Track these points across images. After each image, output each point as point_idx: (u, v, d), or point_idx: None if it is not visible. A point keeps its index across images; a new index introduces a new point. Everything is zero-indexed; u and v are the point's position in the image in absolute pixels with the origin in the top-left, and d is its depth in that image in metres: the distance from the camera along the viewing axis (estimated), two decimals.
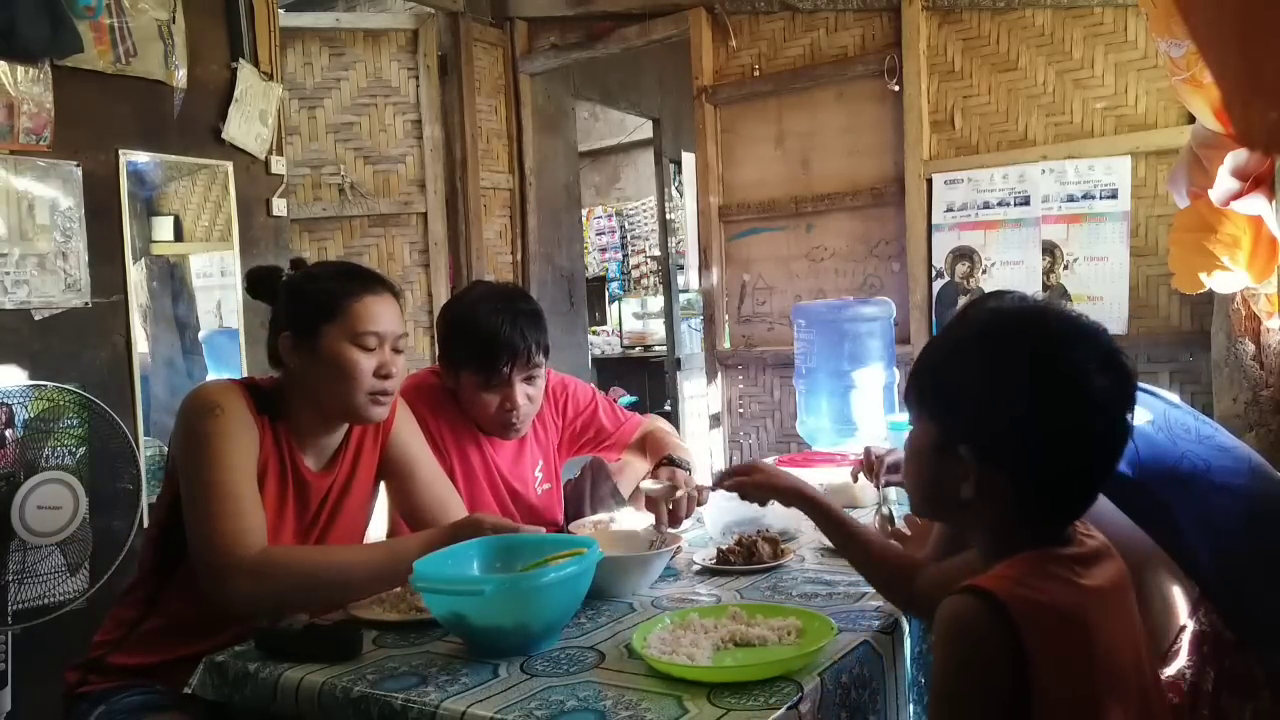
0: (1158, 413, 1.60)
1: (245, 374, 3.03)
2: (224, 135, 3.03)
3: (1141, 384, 1.67)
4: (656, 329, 7.44)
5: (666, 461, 1.96)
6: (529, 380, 1.93)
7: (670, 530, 1.78)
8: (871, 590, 1.45)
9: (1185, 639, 1.45)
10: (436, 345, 1.98)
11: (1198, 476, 1.52)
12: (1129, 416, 1.03)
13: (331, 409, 1.62)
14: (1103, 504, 1.47)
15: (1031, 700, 0.93)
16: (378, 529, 2.03)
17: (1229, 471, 1.54)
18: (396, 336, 1.63)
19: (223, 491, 1.48)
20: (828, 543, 1.52)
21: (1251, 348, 2.47)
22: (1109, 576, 1.05)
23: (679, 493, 1.81)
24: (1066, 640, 0.96)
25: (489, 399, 1.90)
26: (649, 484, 1.83)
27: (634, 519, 2.01)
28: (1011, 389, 1.00)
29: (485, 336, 1.86)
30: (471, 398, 1.92)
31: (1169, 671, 1.44)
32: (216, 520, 1.46)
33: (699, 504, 1.86)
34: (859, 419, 2.87)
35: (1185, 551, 1.49)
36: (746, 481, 1.57)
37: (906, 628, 1.40)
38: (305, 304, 1.61)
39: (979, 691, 0.96)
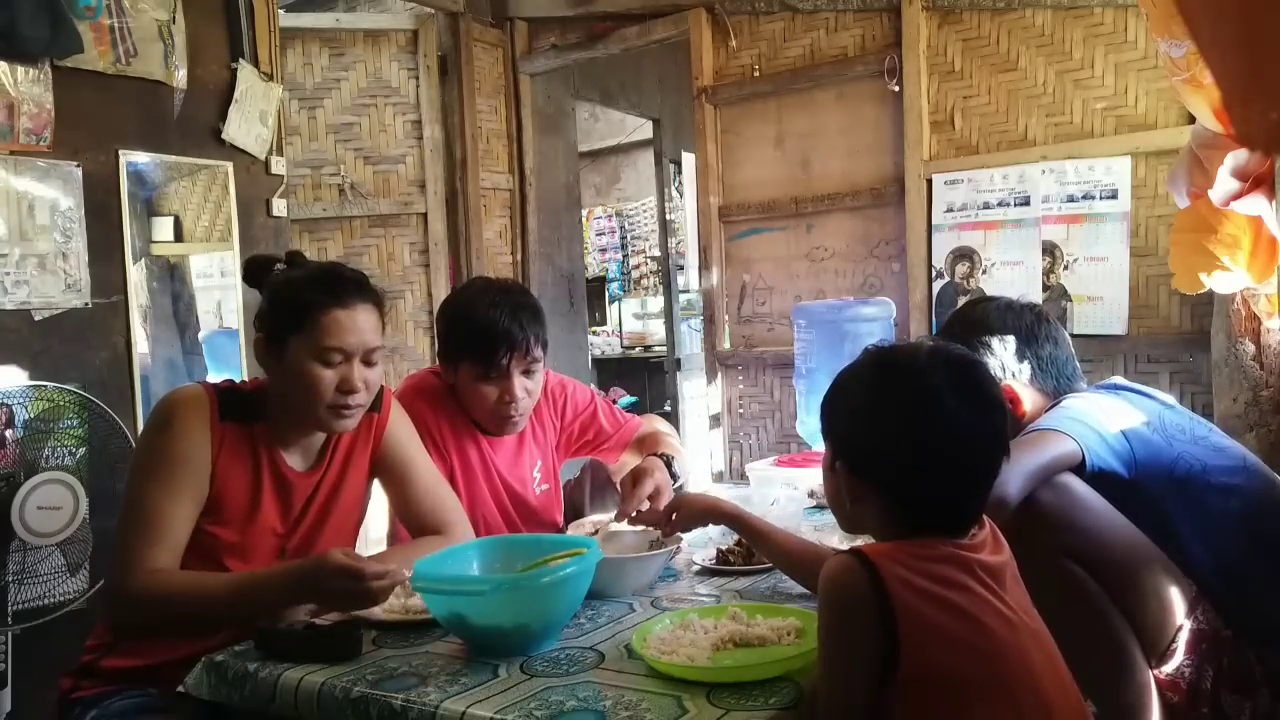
0: (1153, 414, 1.60)
1: (244, 374, 3.03)
2: (224, 135, 3.03)
3: (1137, 386, 1.69)
4: (656, 329, 7.44)
5: (665, 461, 1.95)
6: (527, 373, 1.93)
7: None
8: None
9: (1182, 638, 1.45)
10: (437, 341, 1.98)
11: (1194, 477, 1.53)
12: (992, 435, 1.14)
13: (299, 418, 1.62)
14: (1100, 504, 1.48)
15: (900, 656, 1.02)
16: (378, 529, 2.03)
17: (1225, 471, 1.55)
18: (368, 350, 1.59)
19: (140, 515, 1.51)
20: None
21: (1251, 348, 2.47)
22: (998, 558, 1.14)
23: (655, 491, 1.83)
24: (939, 607, 1.04)
25: (488, 391, 1.90)
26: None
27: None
28: (872, 411, 1.15)
29: (484, 327, 1.87)
30: (470, 391, 1.92)
31: (1167, 670, 1.44)
32: (126, 546, 1.50)
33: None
34: None
35: (1183, 551, 1.50)
36: (677, 523, 1.66)
37: None
38: (277, 310, 1.60)
39: (850, 643, 1.06)
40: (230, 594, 1.47)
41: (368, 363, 1.60)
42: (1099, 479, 1.50)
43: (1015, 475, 1.42)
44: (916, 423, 1.11)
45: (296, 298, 1.58)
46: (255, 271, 1.67)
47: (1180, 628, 1.45)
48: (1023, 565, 1.49)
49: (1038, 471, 1.46)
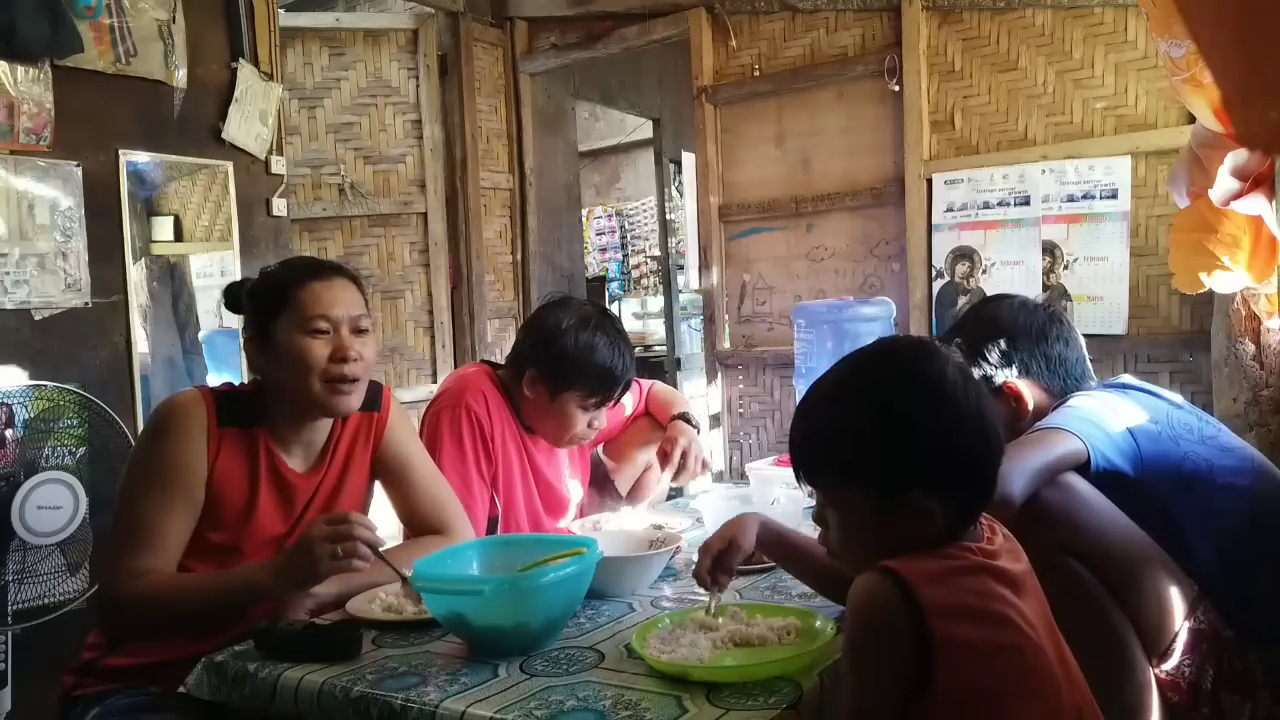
0: (1160, 413, 1.60)
1: (244, 374, 3.03)
2: (224, 135, 3.03)
3: (1145, 385, 1.68)
4: (656, 329, 7.44)
5: (684, 417, 2.21)
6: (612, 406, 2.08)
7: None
8: None
9: (1183, 638, 1.45)
10: (530, 350, 2.01)
11: (1200, 476, 1.52)
12: (988, 409, 1.10)
13: (301, 404, 1.61)
14: (1103, 502, 1.47)
15: (935, 677, 0.98)
16: (381, 530, 2.04)
17: (1232, 471, 1.54)
18: (354, 318, 1.60)
19: (134, 524, 1.51)
20: None
21: (1251, 348, 2.47)
22: (1018, 566, 1.10)
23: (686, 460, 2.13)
24: (973, 624, 1.00)
25: (581, 418, 2.00)
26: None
27: (634, 519, 2.02)
28: (918, 419, 1.06)
29: (607, 371, 1.96)
30: (557, 410, 1.99)
31: (1167, 669, 1.44)
32: (118, 553, 1.50)
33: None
34: None
35: (1187, 550, 1.50)
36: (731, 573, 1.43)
37: None
38: (258, 303, 1.62)
39: (880, 667, 1.01)
40: (220, 587, 1.47)
41: (357, 334, 1.60)
42: (1104, 478, 1.50)
43: (1019, 474, 1.42)
44: (955, 402, 1.07)
45: (273, 284, 1.61)
46: (233, 294, 1.69)
47: (1181, 627, 1.45)
48: None
49: (1043, 470, 1.45)
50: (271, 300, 1.59)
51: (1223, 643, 1.45)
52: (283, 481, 1.63)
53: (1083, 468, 1.49)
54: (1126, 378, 1.73)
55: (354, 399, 1.61)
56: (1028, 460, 1.45)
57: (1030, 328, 1.70)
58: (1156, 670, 1.44)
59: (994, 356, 1.68)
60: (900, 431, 1.07)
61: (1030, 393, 1.69)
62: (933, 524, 1.05)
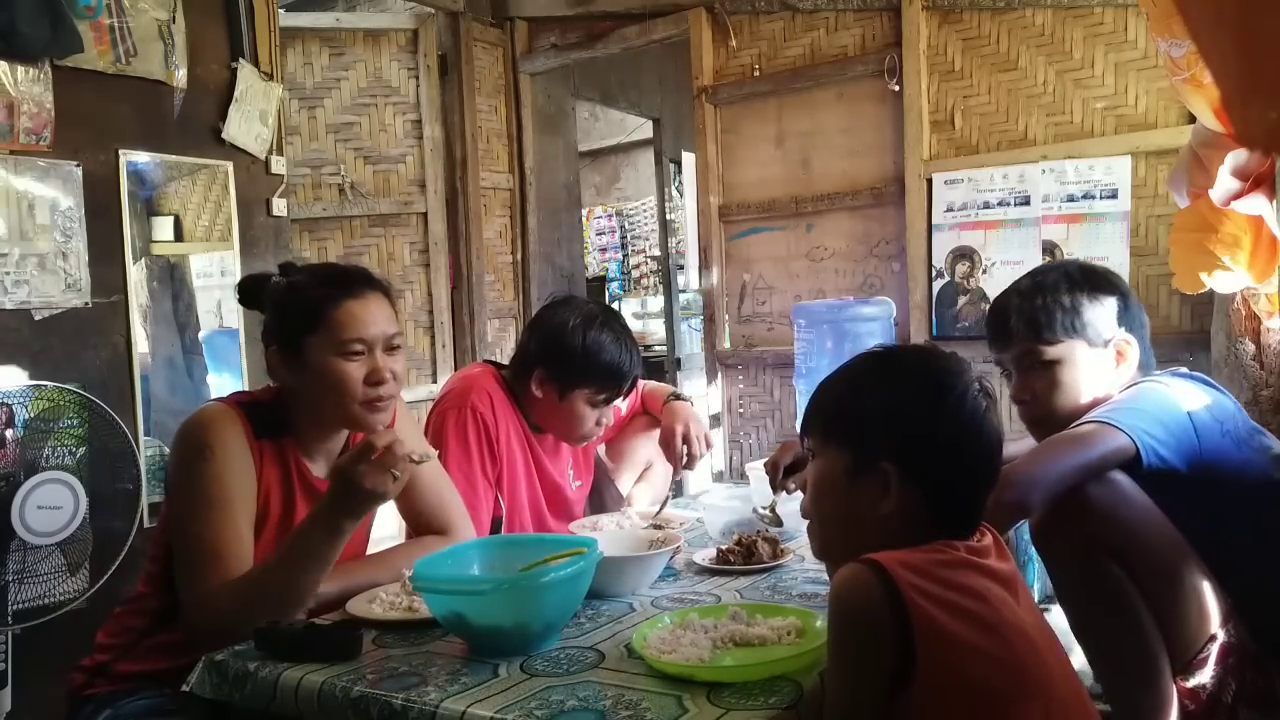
0: (1226, 413, 1.55)
1: (245, 374, 3.03)
2: (224, 135, 3.03)
3: (1216, 383, 1.64)
4: (656, 329, 7.43)
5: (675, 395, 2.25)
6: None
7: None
8: None
9: (1214, 649, 1.43)
10: (536, 349, 2.02)
11: (1258, 486, 1.50)
12: (996, 433, 1.14)
13: (331, 421, 1.60)
14: (1146, 505, 1.43)
15: (917, 665, 0.98)
16: (377, 530, 2.04)
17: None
18: (387, 338, 1.57)
19: (206, 550, 1.46)
20: None
21: (1251, 348, 2.47)
22: (1006, 566, 1.11)
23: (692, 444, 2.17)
24: (956, 615, 1.01)
25: (590, 415, 2.01)
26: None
27: (635, 519, 2.02)
28: (916, 405, 1.11)
29: (616, 368, 1.98)
30: (566, 409, 2.00)
31: (1192, 683, 1.43)
32: (195, 584, 1.46)
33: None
34: None
35: (1229, 555, 1.46)
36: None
37: None
38: (286, 317, 1.57)
39: (863, 657, 1.02)
40: (296, 550, 1.42)
41: (390, 352, 1.58)
42: (1155, 475, 1.46)
43: (1042, 481, 1.41)
44: (966, 413, 1.11)
45: (304, 299, 1.56)
46: (252, 290, 1.64)
47: (1213, 637, 1.44)
48: (1063, 559, 1.46)
49: (1073, 473, 1.43)
50: (303, 317, 1.54)
51: (1247, 657, 1.43)
52: (312, 489, 1.61)
53: (1133, 463, 1.47)
54: (1199, 374, 1.68)
55: (388, 415, 1.60)
56: (1058, 463, 1.43)
57: (1127, 294, 1.67)
58: (1180, 681, 1.43)
59: (1113, 308, 1.65)
60: (886, 407, 1.12)
61: (1131, 353, 1.64)
62: (887, 506, 1.09)
